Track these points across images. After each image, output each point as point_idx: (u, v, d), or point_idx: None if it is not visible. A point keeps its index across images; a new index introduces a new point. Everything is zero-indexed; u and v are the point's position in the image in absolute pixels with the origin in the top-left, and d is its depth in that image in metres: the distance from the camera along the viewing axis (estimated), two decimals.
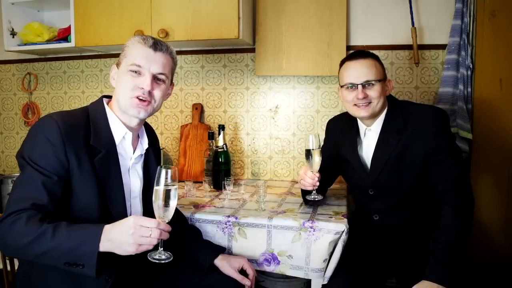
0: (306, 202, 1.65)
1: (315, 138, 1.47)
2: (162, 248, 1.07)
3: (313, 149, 1.47)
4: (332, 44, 2.03)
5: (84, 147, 1.14)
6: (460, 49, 1.90)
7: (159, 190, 1.03)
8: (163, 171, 1.04)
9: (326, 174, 1.64)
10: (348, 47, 2.07)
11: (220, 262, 1.36)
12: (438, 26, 2.00)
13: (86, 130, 1.16)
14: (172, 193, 1.04)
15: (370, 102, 1.45)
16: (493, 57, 1.91)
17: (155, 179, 1.05)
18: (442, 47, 1.99)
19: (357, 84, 1.44)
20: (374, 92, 1.44)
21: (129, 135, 1.25)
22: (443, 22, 1.98)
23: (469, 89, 1.92)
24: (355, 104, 1.46)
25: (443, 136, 1.40)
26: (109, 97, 1.30)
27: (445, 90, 1.93)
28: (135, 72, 1.20)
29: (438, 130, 1.40)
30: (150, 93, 1.21)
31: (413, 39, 1.93)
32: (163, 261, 1.06)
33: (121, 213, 1.20)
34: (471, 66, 1.92)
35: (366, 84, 1.44)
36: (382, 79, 1.46)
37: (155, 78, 1.22)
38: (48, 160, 1.08)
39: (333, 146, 1.67)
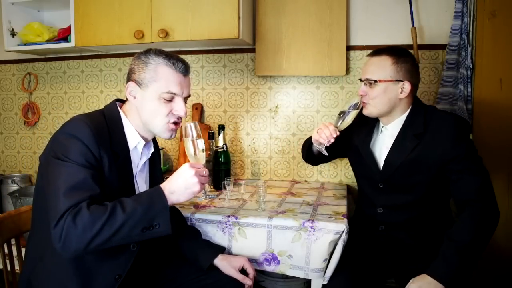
0: (307, 156, 1.70)
1: (357, 103, 1.45)
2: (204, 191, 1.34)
3: (349, 111, 1.46)
4: (332, 44, 2.03)
5: (110, 150, 1.15)
6: (460, 49, 1.90)
7: (195, 142, 1.20)
8: (192, 125, 1.20)
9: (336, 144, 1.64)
10: (348, 47, 2.07)
11: (221, 262, 1.37)
12: (438, 26, 2.00)
13: (108, 135, 1.17)
14: (203, 142, 1.23)
15: (368, 102, 1.44)
16: (493, 57, 1.91)
17: (187, 134, 1.20)
18: (442, 47, 1.99)
19: (362, 80, 1.45)
20: (372, 92, 1.43)
21: (141, 144, 1.27)
22: (443, 22, 1.98)
23: (469, 89, 1.92)
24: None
25: (463, 146, 1.36)
26: (120, 100, 1.30)
27: (445, 90, 1.93)
28: (169, 99, 1.20)
29: (458, 139, 1.36)
30: None
31: (413, 39, 1.93)
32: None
33: None
34: (471, 66, 1.91)
35: (367, 82, 1.43)
36: (389, 80, 1.41)
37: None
38: (87, 157, 1.09)
39: (348, 131, 1.64)
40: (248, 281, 1.34)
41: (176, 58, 1.21)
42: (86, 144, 1.09)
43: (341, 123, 1.48)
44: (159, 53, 1.21)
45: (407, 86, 1.42)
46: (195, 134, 1.20)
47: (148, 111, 1.20)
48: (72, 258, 1.11)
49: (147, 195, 1.10)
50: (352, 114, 1.47)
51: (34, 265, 1.17)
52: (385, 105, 1.44)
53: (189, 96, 1.27)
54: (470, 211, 1.33)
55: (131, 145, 1.24)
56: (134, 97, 1.22)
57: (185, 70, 1.22)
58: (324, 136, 1.48)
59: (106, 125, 1.18)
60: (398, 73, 1.41)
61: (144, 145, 1.30)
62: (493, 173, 1.75)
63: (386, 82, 1.41)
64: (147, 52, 1.22)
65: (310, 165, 2.15)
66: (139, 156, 1.28)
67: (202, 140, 1.21)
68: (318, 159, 1.75)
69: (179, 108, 1.21)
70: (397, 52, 1.43)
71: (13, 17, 2.22)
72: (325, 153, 1.52)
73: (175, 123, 1.24)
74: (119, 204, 1.04)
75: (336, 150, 1.69)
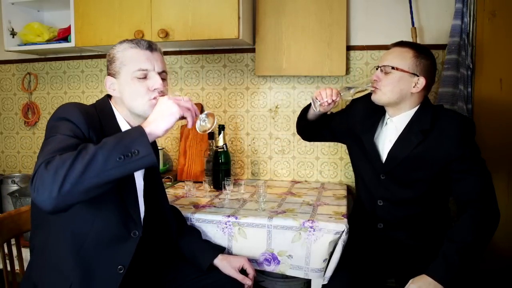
0: (302, 117, 1.72)
1: (369, 87, 1.46)
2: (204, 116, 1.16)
3: (358, 87, 1.47)
4: (332, 44, 2.03)
5: (101, 136, 1.14)
6: (460, 49, 1.90)
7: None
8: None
9: (324, 125, 1.70)
10: (348, 47, 2.07)
11: (220, 262, 1.37)
12: (438, 26, 2.00)
13: (98, 122, 1.18)
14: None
15: (379, 89, 1.44)
16: (493, 57, 1.91)
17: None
18: (442, 47, 1.99)
19: (378, 66, 1.46)
20: (387, 79, 1.42)
21: None
22: (443, 22, 1.98)
23: (469, 89, 1.92)
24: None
25: (467, 147, 1.36)
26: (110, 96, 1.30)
27: (445, 90, 1.92)
28: (142, 77, 1.20)
29: (463, 140, 1.36)
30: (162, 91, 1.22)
31: (413, 39, 1.93)
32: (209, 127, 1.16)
33: (134, 204, 1.22)
34: (471, 66, 1.91)
35: (383, 69, 1.43)
36: (406, 71, 1.41)
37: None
38: (76, 132, 1.08)
39: (352, 120, 1.65)
40: (248, 281, 1.34)
41: (138, 39, 1.24)
42: (75, 123, 1.09)
43: (345, 92, 1.49)
44: (122, 41, 1.25)
45: (421, 81, 1.42)
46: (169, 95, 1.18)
47: (128, 95, 1.21)
48: (72, 246, 1.10)
49: (122, 131, 1.05)
50: (359, 90, 1.47)
51: (35, 260, 1.18)
52: (395, 95, 1.43)
53: (164, 72, 1.25)
54: (471, 212, 1.33)
55: None
56: (114, 89, 1.24)
57: (149, 46, 1.22)
58: (324, 94, 1.49)
59: (96, 115, 1.19)
60: (416, 67, 1.41)
61: None
62: (493, 173, 1.76)
63: (403, 72, 1.41)
64: (113, 46, 1.26)
65: (316, 174, 2.14)
66: None
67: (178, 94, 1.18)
68: (309, 130, 1.76)
69: (154, 81, 1.20)
70: (420, 48, 1.45)
71: (13, 17, 2.22)
72: (316, 109, 1.53)
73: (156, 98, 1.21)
74: (90, 143, 0.99)
75: (329, 127, 1.73)
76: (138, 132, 0.99)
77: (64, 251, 1.12)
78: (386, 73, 1.43)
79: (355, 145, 1.63)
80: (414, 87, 1.42)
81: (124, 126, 1.25)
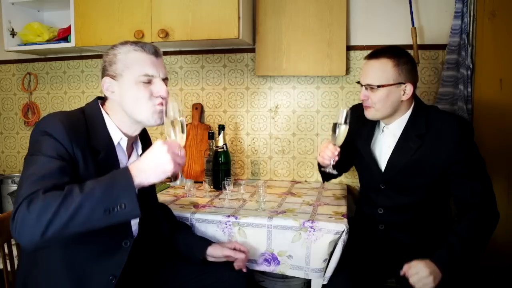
0: (324, 177, 1.68)
1: (345, 113, 1.41)
2: (181, 175, 1.16)
3: (340, 124, 1.41)
4: (332, 44, 2.03)
5: (86, 147, 1.11)
6: (460, 49, 1.90)
7: (175, 122, 1.13)
8: (174, 104, 1.13)
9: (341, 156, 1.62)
10: (348, 47, 2.07)
11: (213, 248, 1.37)
12: (438, 26, 2.00)
13: (85, 131, 1.14)
14: (184, 122, 1.15)
15: (371, 106, 1.43)
16: (493, 57, 1.91)
17: (167, 114, 1.12)
18: (442, 47, 1.99)
19: (362, 85, 1.44)
20: (375, 96, 1.40)
21: (124, 140, 1.22)
22: (443, 22, 1.98)
23: (469, 89, 1.92)
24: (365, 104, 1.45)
25: (466, 149, 1.36)
26: (102, 98, 1.26)
27: (445, 90, 1.93)
28: (146, 82, 1.17)
29: (462, 142, 1.36)
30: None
31: (413, 39, 1.93)
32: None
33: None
34: (471, 66, 1.91)
35: (368, 87, 1.41)
36: (391, 84, 1.38)
37: None
38: (59, 151, 1.05)
39: (350, 136, 1.63)
40: (240, 255, 1.34)
41: (143, 42, 1.21)
42: (58, 139, 1.06)
43: (336, 139, 1.44)
44: (125, 43, 1.20)
45: (409, 88, 1.40)
46: (175, 115, 1.13)
47: (130, 99, 1.17)
48: (63, 259, 1.10)
49: (111, 174, 1.00)
50: (343, 128, 1.42)
51: (28, 271, 1.16)
52: (388, 108, 1.43)
53: (167, 78, 1.22)
54: (471, 215, 1.34)
55: (114, 141, 1.20)
56: (112, 92, 1.19)
57: (155, 51, 1.20)
58: (327, 157, 1.46)
59: (84, 122, 1.15)
60: (399, 76, 1.39)
61: (134, 146, 1.29)
62: (493, 173, 1.76)
63: (388, 86, 1.39)
64: (114, 45, 1.22)
65: (316, 174, 2.15)
66: (125, 154, 1.24)
67: (184, 119, 1.15)
68: (337, 174, 1.69)
69: (160, 88, 1.17)
70: (396, 54, 1.40)
71: (13, 17, 2.22)
72: (334, 172, 1.49)
73: (160, 104, 1.18)
74: (77, 186, 0.95)
75: (346, 161, 1.66)
76: (127, 182, 0.97)
77: (55, 264, 1.11)
78: (372, 89, 1.41)
79: (357, 157, 1.63)
80: (403, 95, 1.41)
81: (114, 134, 1.20)
